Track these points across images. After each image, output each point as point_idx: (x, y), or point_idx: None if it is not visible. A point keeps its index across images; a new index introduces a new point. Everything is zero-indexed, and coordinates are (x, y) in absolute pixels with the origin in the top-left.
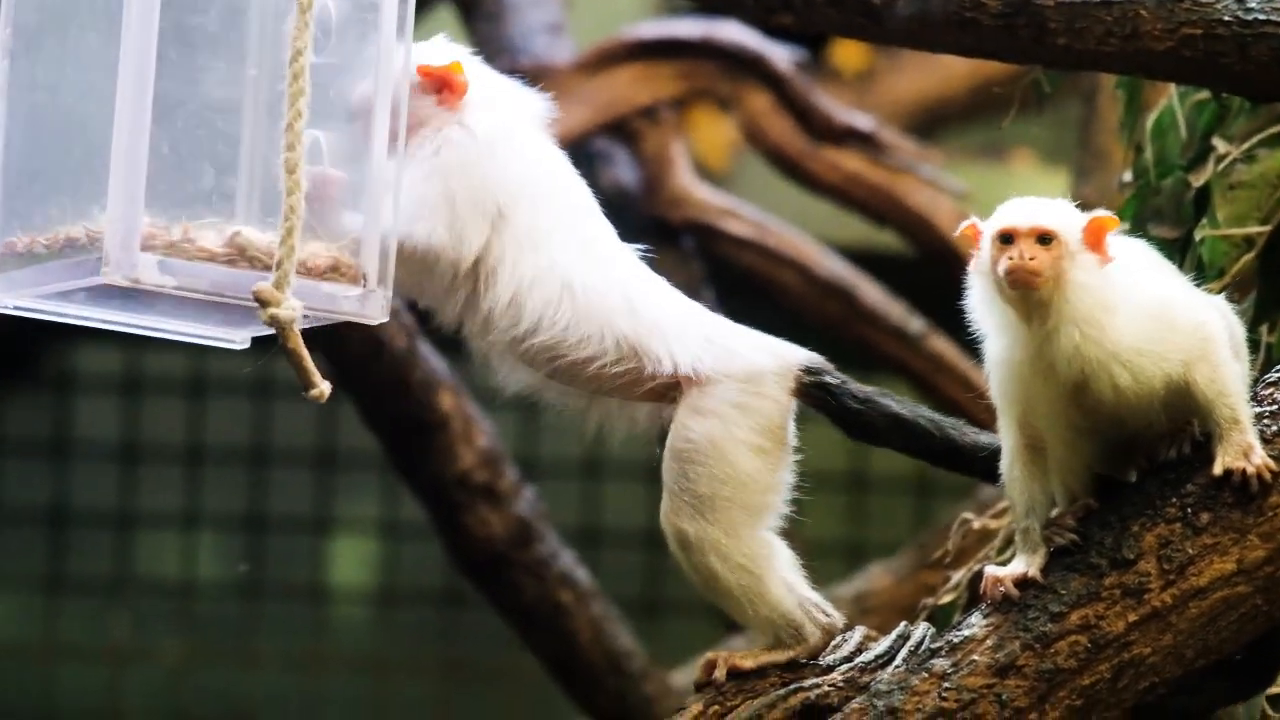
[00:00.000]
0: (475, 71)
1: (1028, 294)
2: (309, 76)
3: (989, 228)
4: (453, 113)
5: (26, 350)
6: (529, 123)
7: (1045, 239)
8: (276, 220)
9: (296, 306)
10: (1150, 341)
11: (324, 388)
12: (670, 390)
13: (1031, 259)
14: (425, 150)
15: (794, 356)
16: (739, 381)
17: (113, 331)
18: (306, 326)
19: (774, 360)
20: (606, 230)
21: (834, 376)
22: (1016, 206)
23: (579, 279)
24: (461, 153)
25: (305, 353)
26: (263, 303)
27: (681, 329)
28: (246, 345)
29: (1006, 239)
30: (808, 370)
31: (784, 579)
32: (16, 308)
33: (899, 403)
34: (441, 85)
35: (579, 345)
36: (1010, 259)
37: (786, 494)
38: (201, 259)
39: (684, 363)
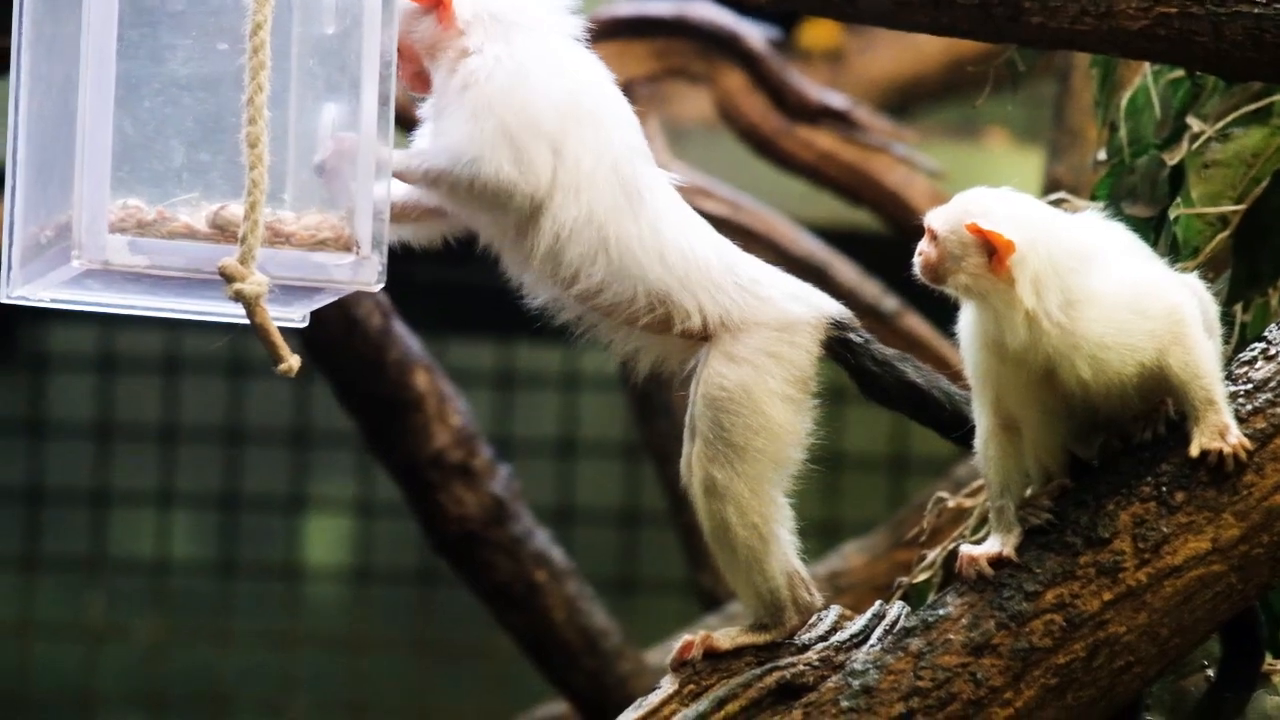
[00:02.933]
0: None
1: (931, 284)
2: (269, 49)
3: None
4: (459, 35)
5: (0, 330)
6: (553, 33)
7: (934, 235)
8: (288, 195)
9: (262, 281)
10: (1120, 333)
11: (293, 361)
12: (702, 334)
13: (919, 253)
14: (453, 87)
15: (827, 307)
16: (773, 329)
17: (86, 311)
18: (325, 301)
19: (808, 310)
20: (643, 157)
21: (859, 335)
22: (947, 205)
23: (614, 230)
24: (496, 80)
25: (273, 327)
26: (228, 278)
27: (711, 278)
28: (305, 323)
29: None
30: (836, 324)
31: (784, 552)
32: (54, 300)
33: (917, 370)
34: (431, 2)
35: (612, 297)
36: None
37: (804, 445)
38: (181, 236)
39: (712, 315)
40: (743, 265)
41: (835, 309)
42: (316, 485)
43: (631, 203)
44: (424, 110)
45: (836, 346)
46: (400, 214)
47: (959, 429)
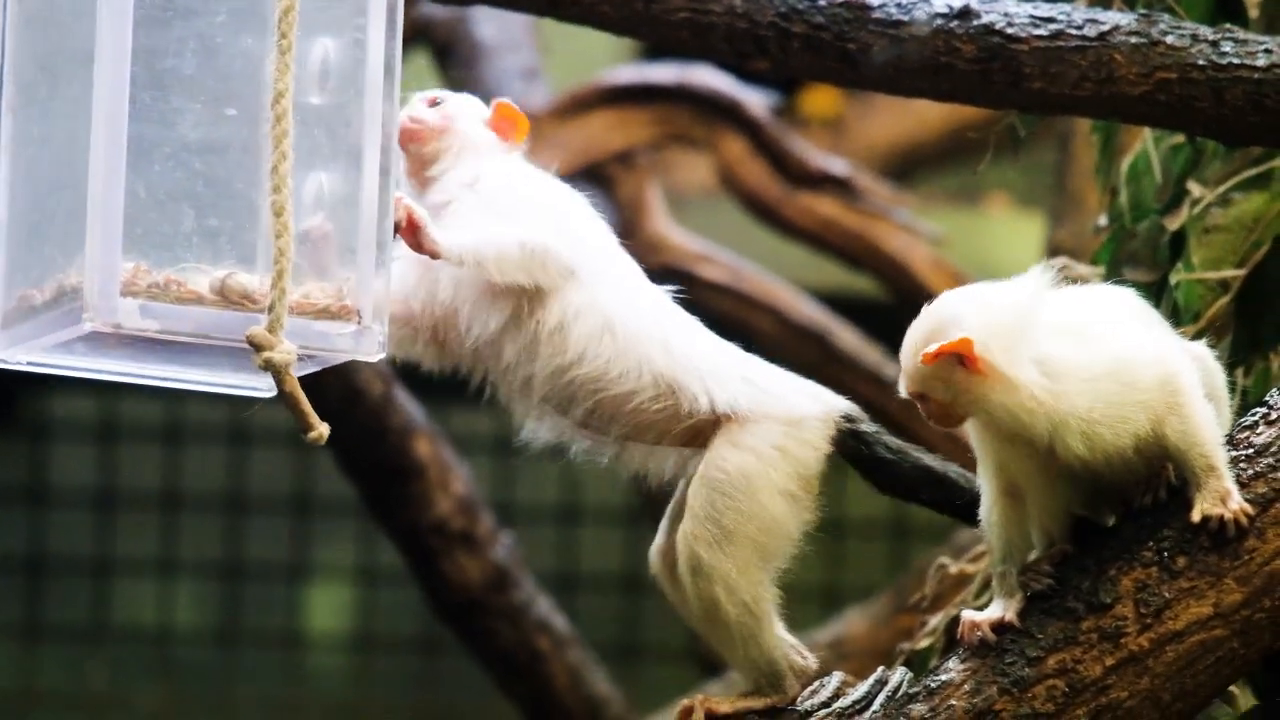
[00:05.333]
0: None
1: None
2: (292, 118)
3: None
4: (498, 158)
5: (2, 398)
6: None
7: (922, 397)
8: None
9: (291, 349)
10: (1109, 405)
11: (323, 429)
12: (706, 432)
13: (930, 417)
14: (460, 182)
15: (835, 403)
16: (782, 424)
17: (89, 379)
18: (311, 370)
19: (818, 405)
20: (634, 268)
21: (869, 425)
22: (902, 357)
23: (619, 314)
24: (513, 181)
25: (302, 395)
26: (257, 347)
27: (717, 368)
28: (274, 393)
29: None
30: (846, 418)
31: (775, 625)
32: (30, 363)
33: (930, 456)
34: (508, 128)
35: (619, 380)
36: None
37: (795, 546)
38: (190, 302)
39: (721, 401)
40: (751, 363)
41: (844, 405)
42: (318, 553)
43: (633, 297)
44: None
45: (848, 440)
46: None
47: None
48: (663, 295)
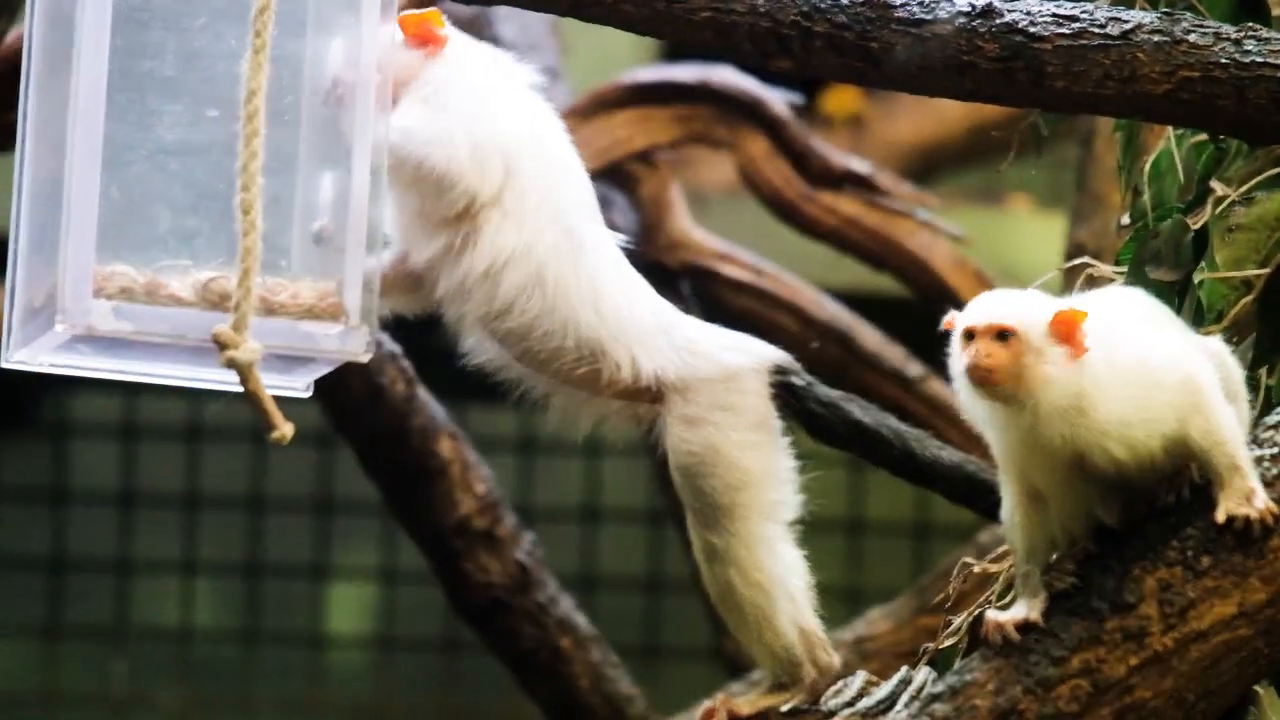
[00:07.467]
0: (459, 34)
1: (992, 390)
2: (263, 117)
3: (957, 324)
4: (440, 62)
5: (24, 397)
6: (524, 84)
7: (1004, 335)
8: (286, 263)
9: (255, 348)
10: (1138, 409)
11: (286, 429)
12: (638, 393)
13: (988, 356)
14: (423, 92)
15: (766, 353)
16: (718, 383)
17: (109, 379)
18: (322, 372)
19: (748, 357)
20: (591, 214)
21: (801, 378)
22: (979, 301)
23: (552, 270)
24: (465, 90)
25: (266, 394)
26: (221, 345)
27: (646, 334)
28: (309, 393)
29: (969, 335)
30: (778, 368)
31: (793, 608)
32: (52, 365)
33: (863, 409)
34: (424, 37)
35: (543, 338)
36: (969, 355)
37: (792, 484)
38: (169, 303)
39: (645, 371)
40: (680, 326)
41: (774, 354)
42: (340, 553)
43: (573, 250)
44: None
45: (780, 391)
46: (392, 285)
47: (908, 468)
48: (608, 244)
